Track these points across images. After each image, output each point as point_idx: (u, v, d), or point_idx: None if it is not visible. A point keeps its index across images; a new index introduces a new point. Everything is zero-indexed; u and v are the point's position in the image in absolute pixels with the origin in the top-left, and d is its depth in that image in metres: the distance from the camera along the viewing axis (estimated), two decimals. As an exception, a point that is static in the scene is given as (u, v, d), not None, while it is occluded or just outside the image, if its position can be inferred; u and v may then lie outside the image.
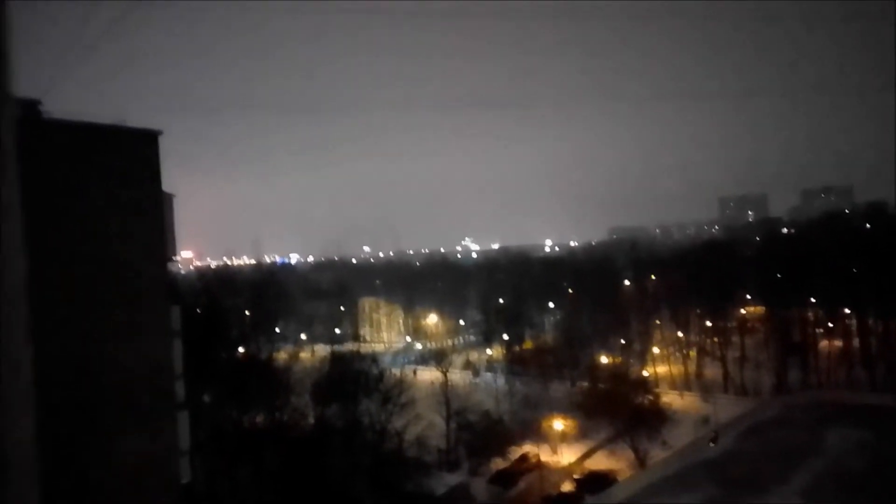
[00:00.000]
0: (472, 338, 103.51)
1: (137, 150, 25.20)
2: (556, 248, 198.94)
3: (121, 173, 24.68)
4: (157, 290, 25.95)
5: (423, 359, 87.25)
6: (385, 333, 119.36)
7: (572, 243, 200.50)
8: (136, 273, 24.96)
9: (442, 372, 67.09)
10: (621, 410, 56.38)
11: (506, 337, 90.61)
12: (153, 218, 25.50)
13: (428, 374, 73.16)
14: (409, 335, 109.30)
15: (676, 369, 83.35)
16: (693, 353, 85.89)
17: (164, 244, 26.08)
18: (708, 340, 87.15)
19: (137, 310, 24.98)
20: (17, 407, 1.33)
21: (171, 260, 27.47)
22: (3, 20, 1.20)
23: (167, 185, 26.62)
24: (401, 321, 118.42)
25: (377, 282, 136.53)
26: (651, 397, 61.57)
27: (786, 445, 54.26)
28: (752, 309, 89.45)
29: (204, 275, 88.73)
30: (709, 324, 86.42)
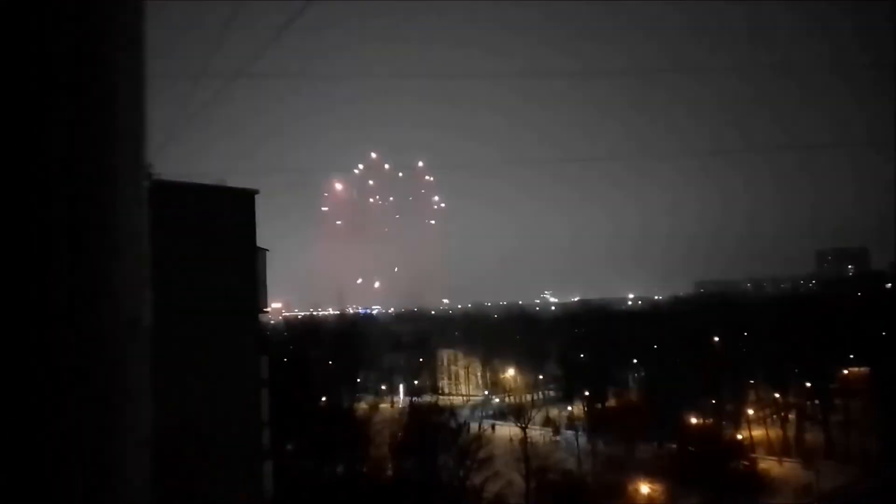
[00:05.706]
0: (552, 393, 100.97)
1: (236, 209, 26.84)
2: (640, 302, 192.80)
3: (220, 230, 26.29)
4: (248, 340, 27.13)
5: (502, 413, 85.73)
6: (463, 386, 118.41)
7: (656, 297, 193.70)
8: (230, 324, 26.23)
9: (521, 428, 65.60)
10: (714, 476, 53.23)
11: (587, 393, 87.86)
12: (247, 272, 26.89)
13: (506, 430, 71.67)
14: (486, 388, 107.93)
15: (774, 433, 78.19)
16: (792, 416, 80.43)
17: (256, 296, 27.37)
18: (808, 402, 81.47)
19: (229, 360, 26.13)
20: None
21: (262, 311, 28.72)
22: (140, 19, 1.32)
23: (261, 241, 28.14)
24: (479, 374, 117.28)
25: (456, 333, 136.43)
26: (746, 462, 58.12)
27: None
28: (855, 369, 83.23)
29: (291, 325, 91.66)
30: (808, 385, 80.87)
